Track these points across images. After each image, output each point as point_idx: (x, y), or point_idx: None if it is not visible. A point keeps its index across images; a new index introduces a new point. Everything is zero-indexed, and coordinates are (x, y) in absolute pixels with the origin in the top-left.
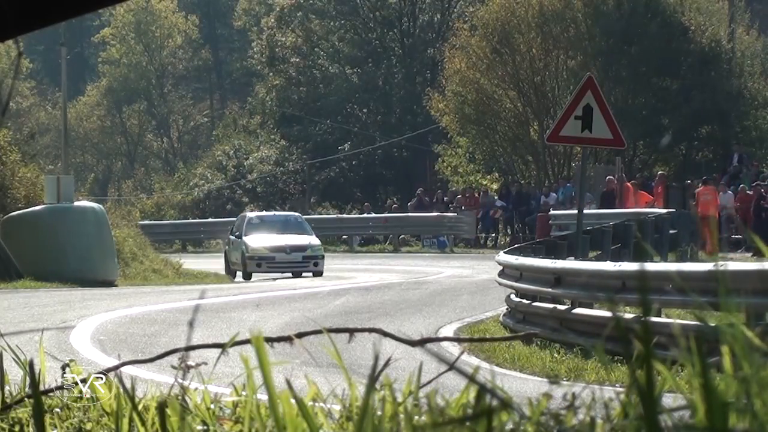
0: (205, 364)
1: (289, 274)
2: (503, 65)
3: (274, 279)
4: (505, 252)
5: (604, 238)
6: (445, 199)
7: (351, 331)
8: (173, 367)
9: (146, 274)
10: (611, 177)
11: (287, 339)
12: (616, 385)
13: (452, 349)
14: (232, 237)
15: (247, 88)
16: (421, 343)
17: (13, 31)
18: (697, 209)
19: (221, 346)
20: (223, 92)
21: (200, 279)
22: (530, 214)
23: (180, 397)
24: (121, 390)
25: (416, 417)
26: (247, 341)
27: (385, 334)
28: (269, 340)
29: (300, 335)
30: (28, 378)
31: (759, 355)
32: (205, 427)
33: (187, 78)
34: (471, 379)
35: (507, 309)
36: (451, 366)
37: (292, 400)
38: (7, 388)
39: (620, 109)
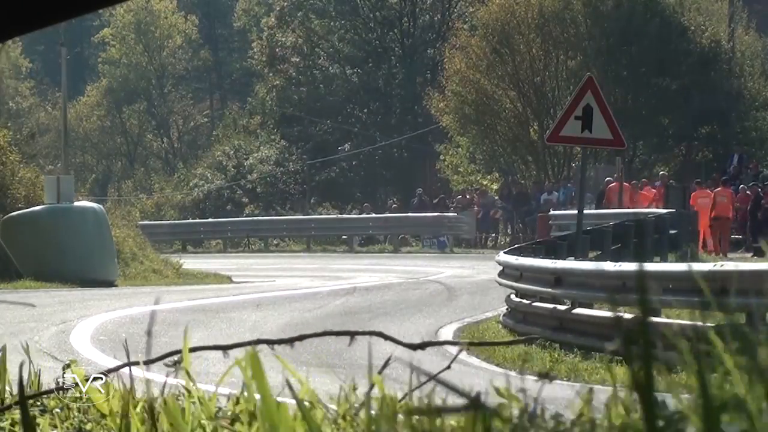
0: (210, 372)
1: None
2: (503, 65)
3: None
4: (505, 252)
5: (604, 238)
6: (449, 202)
7: (352, 334)
8: (170, 366)
9: (146, 274)
10: (610, 179)
11: (287, 341)
12: (617, 385)
13: (452, 349)
14: None
15: (247, 88)
16: (422, 346)
17: (12, 31)
18: (711, 210)
19: (223, 348)
20: (223, 92)
21: (200, 279)
22: (530, 214)
23: (179, 398)
24: (121, 390)
25: (414, 418)
26: (248, 343)
27: (386, 338)
28: (269, 342)
29: (301, 338)
30: (26, 379)
31: (754, 356)
32: (204, 428)
33: (187, 78)
34: (459, 392)
35: (507, 309)
36: (432, 378)
37: (292, 401)
38: (7, 388)
39: (620, 109)
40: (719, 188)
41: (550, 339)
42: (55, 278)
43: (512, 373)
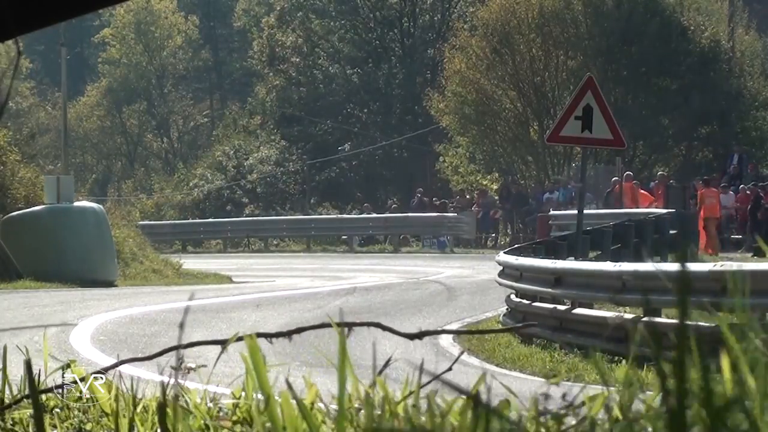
0: (205, 366)
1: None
2: (503, 65)
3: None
4: (505, 252)
5: (604, 238)
6: (449, 202)
7: (349, 326)
8: (173, 368)
9: (146, 274)
10: (617, 178)
11: (285, 335)
12: (617, 385)
13: (452, 350)
14: None
15: (247, 88)
16: (419, 336)
17: (13, 31)
18: (700, 211)
19: (220, 343)
20: (223, 92)
21: (200, 279)
22: (530, 214)
23: (180, 397)
24: (122, 390)
25: (416, 417)
26: (243, 337)
27: (384, 328)
28: (268, 335)
29: (299, 330)
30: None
31: (761, 356)
32: (205, 427)
33: (187, 78)
34: (464, 392)
35: (507, 309)
36: (434, 379)
37: (292, 401)
38: (7, 388)
39: (620, 109)
40: (704, 189)
41: (550, 339)
42: (55, 278)
43: (512, 373)
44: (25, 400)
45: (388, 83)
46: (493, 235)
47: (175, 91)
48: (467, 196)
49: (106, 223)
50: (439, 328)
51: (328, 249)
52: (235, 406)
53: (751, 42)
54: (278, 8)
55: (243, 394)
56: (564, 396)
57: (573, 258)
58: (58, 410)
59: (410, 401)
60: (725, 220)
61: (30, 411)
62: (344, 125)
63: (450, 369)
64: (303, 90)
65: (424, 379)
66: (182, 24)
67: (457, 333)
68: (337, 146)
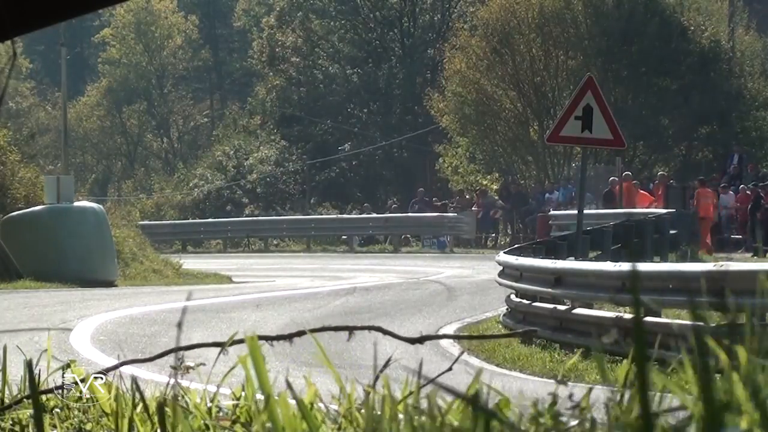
0: (204, 364)
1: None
2: (503, 65)
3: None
4: (505, 252)
5: (604, 238)
6: (448, 202)
7: (350, 329)
8: (172, 368)
9: (146, 274)
10: (615, 178)
11: (286, 338)
12: (617, 385)
13: (452, 350)
14: None
15: (247, 88)
16: (420, 340)
17: (12, 31)
18: (698, 210)
19: (220, 345)
20: (223, 92)
21: (200, 279)
22: (530, 214)
23: (179, 397)
24: (122, 390)
25: (416, 417)
26: (245, 339)
27: (385, 332)
28: (269, 338)
29: (299, 334)
30: (28, 378)
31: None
32: (205, 427)
33: (187, 78)
34: (460, 396)
35: (507, 309)
36: (434, 379)
37: (292, 401)
38: (7, 388)
39: (620, 109)
40: (699, 189)
41: (550, 339)
42: (55, 278)
43: (512, 373)
44: (25, 400)
45: (388, 83)
46: (493, 235)
47: (175, 91)
48: (467, 196)
49: (106, 223)
50: (440, 332)
51: (328, 249)
52: (235, 406)
53: (751, 42)
54: (278, 8)
55: (243, 394)
56: (570, 396)
57: (573, 258)
58: (58, 410)
59: (410, 401)
60: (725, 220)
61: (30, 411)
62: (344, 125)
63: (450, 369)
64: (303, 90)
65: (424, 379)
66: (182, 24)
67: (458, 338)
68: (337, 146)
